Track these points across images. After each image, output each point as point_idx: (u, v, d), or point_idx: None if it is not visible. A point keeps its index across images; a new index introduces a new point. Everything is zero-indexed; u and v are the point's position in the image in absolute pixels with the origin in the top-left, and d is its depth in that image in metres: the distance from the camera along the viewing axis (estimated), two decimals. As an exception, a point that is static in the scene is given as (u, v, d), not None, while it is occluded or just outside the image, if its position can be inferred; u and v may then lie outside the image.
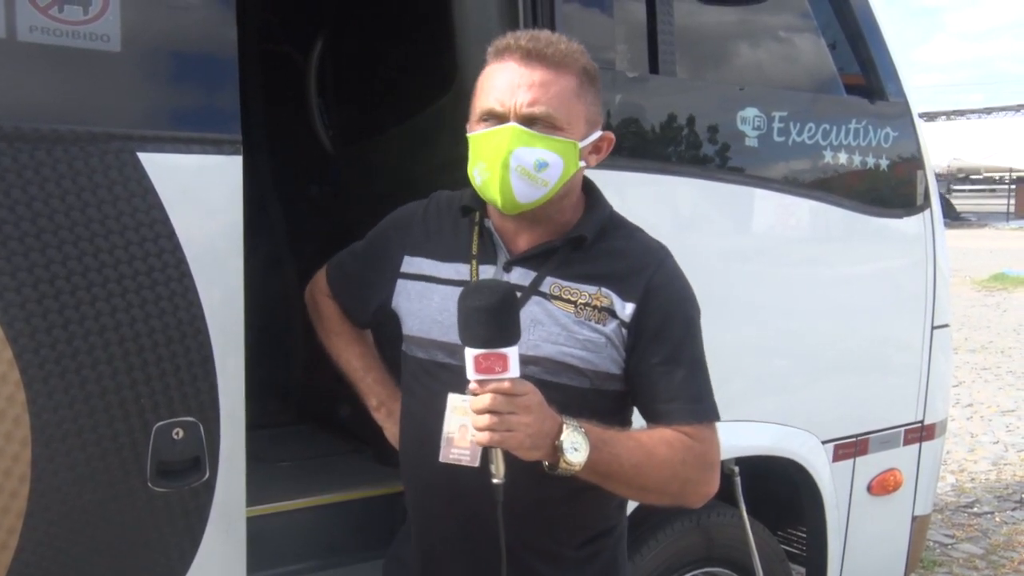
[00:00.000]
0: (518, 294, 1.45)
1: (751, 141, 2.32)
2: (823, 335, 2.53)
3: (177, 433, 1.58)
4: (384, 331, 1.74)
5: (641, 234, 1.60)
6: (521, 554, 1.48)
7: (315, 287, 1.81)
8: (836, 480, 2.56)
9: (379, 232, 1.70)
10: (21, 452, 1.45)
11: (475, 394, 1.32)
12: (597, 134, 1.51)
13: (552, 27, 1.95)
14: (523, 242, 1.53)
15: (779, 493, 2.60)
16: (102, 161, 1.49)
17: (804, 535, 2.71)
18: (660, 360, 1.47)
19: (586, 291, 1.48)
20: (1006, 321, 10.61)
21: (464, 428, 1.38)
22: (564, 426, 1.35)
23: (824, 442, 2.53)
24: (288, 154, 3.10)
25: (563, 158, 1.44)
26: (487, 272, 1.52)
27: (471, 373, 1.31)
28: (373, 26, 2.77)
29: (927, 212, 2.69)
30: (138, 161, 1.52)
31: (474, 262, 1.53)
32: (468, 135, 1.48)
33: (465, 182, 1.52)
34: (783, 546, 2.69)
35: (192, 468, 1.60)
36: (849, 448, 2.59)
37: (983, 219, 27.97)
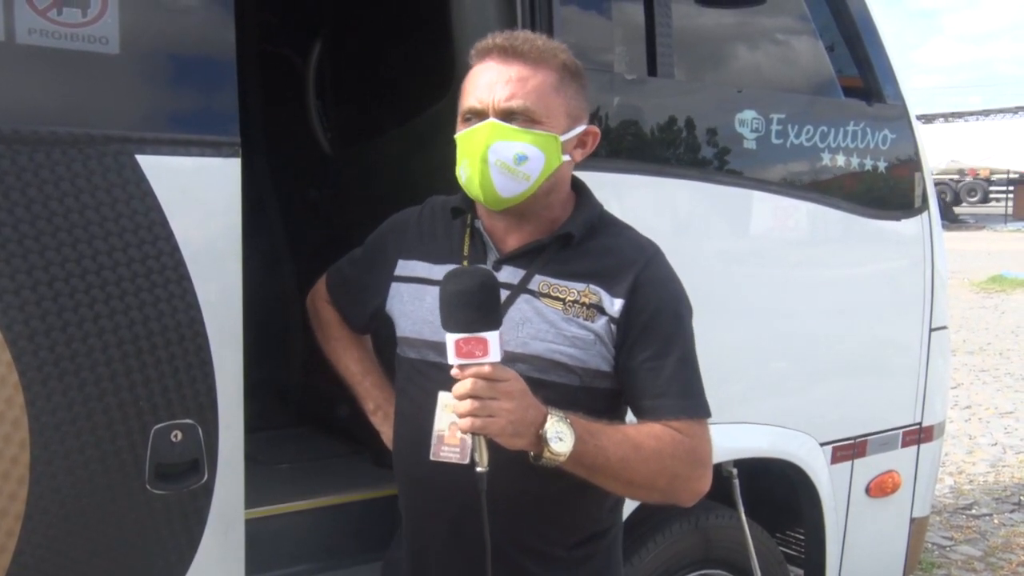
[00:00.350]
0: (507, 292, 1.47)
1: (749, 143, 2.32)
2: (821, 337, 2.53)
3: (176, 435, 1.58)
4: (382, 336, 1.75)
5: (631, 232, 1.60)
6: (511, 553, 1.48)
7: (315, 294, 1.83)
8: (834, 482, 2.56)
9: (376, 237, 1.72)
10: (20, 454, 1.45)
11: (457, 379, 1.33)
12: (580, 128, 1.52)
13: (550, 30, 1.96)
14: (513, 241, 1.54)
15: (777, 495, 2.60)
16: (100, 163, 1.49)
17: (802, 537, 2.71)
18: (649, 356, 1.47)
19: (574, 288, 1.49)
20: (1004, 323, 10.62)
21: (455, 426, 1.39)
22: (549, 416, 1.35)
23: (822, 444, 2.53)
24: (287, 156, 3.10)
25: (543, 151, 1.45)
26: None
27: (452, 358, 1.31)
28: (372, 28, 2.78)
29: (925, 214, 2.70)
30: (136, 163, 1.52)
31: (465, 262, 1.54)
32: (455, 136, 1.50)
33: None
34: (781, 548, 2.69)
35: (191, 470, 1.60)
36: (847, 450, 2.59)
37: (981, 221, 28.00)
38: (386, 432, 1.72)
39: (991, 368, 8.12)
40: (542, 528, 1.52)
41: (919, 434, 2.76)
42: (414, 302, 1.57)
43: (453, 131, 1.52)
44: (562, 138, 1.48)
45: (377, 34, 2.74)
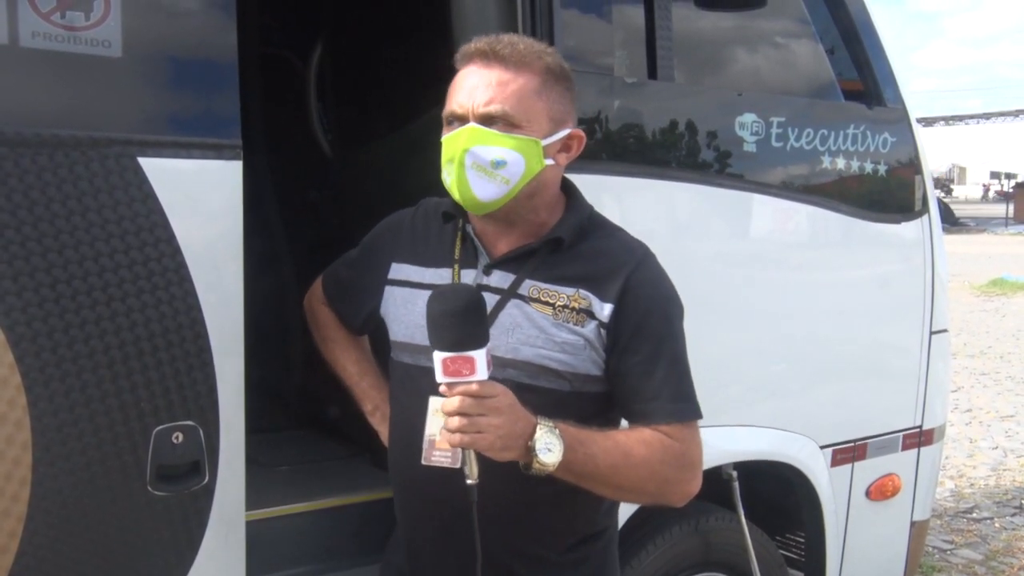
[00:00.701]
0: (497, 297, 1.48)
1: (749, 146, 2.33)
2: (821, 340, 2.53)
3: (177, 437, 1.58)
4: (379, 337, 1.75)
5: (622, 234, 1.60)
6: (504, 558, 1.48)
7: (312, 296, 1.84)
8: (834, 485, 2.56)
9: (370, 239, 1.73)
10: (22, 456, 1.45)
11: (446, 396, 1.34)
12: (564, 132, 1.51)
13: (551, 35, 1.96)
14: (503, 245, 1.54)
15: (777, 498, 2.61)
16: (103, 166, 1.49)
17: (803, 540, 2.71)
18: (640, 359, 1.47)
19: (564, 293, 1.49)
20: (1005, 326, 10.61)
21: (444, 432, 1.38)
22: (538, 427, 1.36)
23: (822, 447, 2.53)
24: (287, 158, 3.10)
25: (523, 156, 1.45)
26: (468, 276, 1.53)
27: (439, 376, 1.33)
28: (372, 31, 2.78)
29: (925, 217, 2.70)
30: (138, 166, 1.52)
31: (456, 266, 1.54)
32: (441, 140, 1.51)
33: None
34: (782, 551, 2.69)
35: (192, 472, 1.61)
36: (847, 453, 2.59)
37: (982, 224, 27.99)
38: (384, 432, 1.72)
39: (992, 371, 8.12)
40: (535, 532, 1.52)
41: (919, 437, 2.76)
42: (406, 306, 1.58)
43: None
44: (544, 142, 1.48)
45: (378, 37, 2.75)
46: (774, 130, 2.36)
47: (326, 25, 2.98)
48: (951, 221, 25.61)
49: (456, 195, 1.49)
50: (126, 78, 1.53)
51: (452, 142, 1.47)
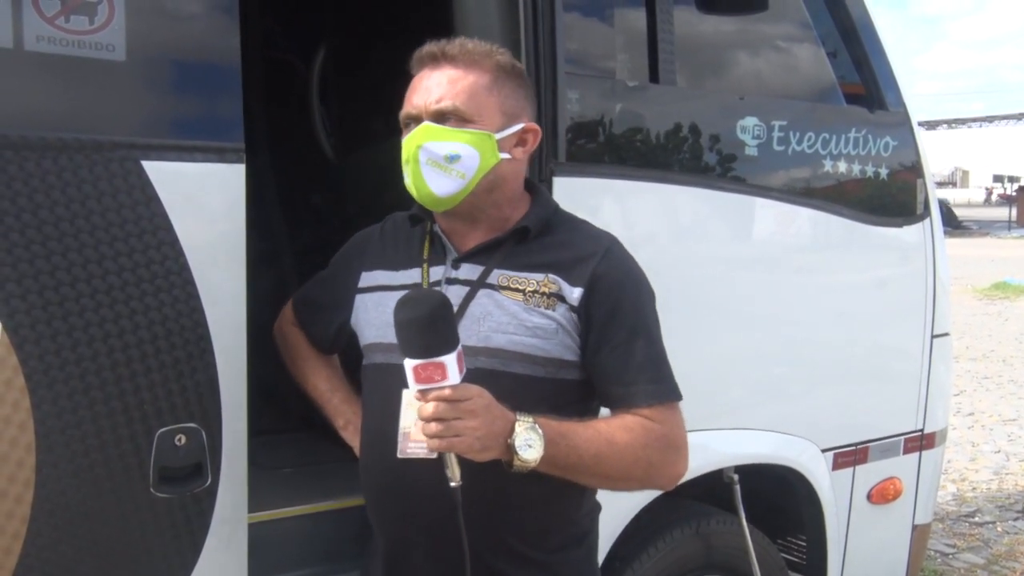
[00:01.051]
0: (467, 289, 1.49)
1: (751, 150, 2.33)
2: (823, 343, 2.53)
3: (179, 439, 1.58)
4: (350, 355, 1.75)
5: (587, 225, 1.62)
6: (488, 557, 1.48)
7: (282, 319, 1.85)
8: (836, 488, 2.56)
9: (339, 256, 1.75)
10: (25, 457, 1.46)
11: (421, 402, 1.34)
12: (518, 126, 1.53)
13: (553, 39, 1.97)
14: (470, 241, 1.56)
15: (779, 501, 2.61)
16: (106, 169, 1.50)
17: (804, 543, 2.71)
18: (615, 344, 1.49)
19: (534, 279, 1.50)
20: (1008, 330, 10.60)
21: (419, 424, 1.38)
22: (517, 423, 1.37)
23: (824, 450, 2.53)
24: (290, 161, 3.11)
25: (477, 149, 1.48)
26: (437, 272, 1.55)
27: (412, 384, 1.33)
28: (375, 34, 2.79)
29: (927, 221, 2.70)
30: (142, 169, 1.53)
31: (425, 265, 1.56)
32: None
33: None
34: (783, 554, 2.69)
35: (194, 474, 1.61)
36: (849, 456, 2.59)
37: (984, 227, 27.95)
38: (357, 445, 1.71)
39: (994, 375, 8.11)
40: (519, 530, 1.52)
41: (921, 441, 2.76)
42: (377, 308, 1.59)
43: None
44: (497, 136, 1.50)
45: (380, 40, 2.76)
46: (776, 134, 2.37)
47: (328, 28, 2.98)
48: (953, 224, 25.59)
49: (414, 192, 1.51)
50: (130, 82, 1.54)
51: (408, 142, 1.50)
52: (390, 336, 1.48)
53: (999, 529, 4.50)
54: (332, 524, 2.20)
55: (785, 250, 2.49)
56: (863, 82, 2.62)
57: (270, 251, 3.00)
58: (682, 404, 1.54)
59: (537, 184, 1.65)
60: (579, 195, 2.03)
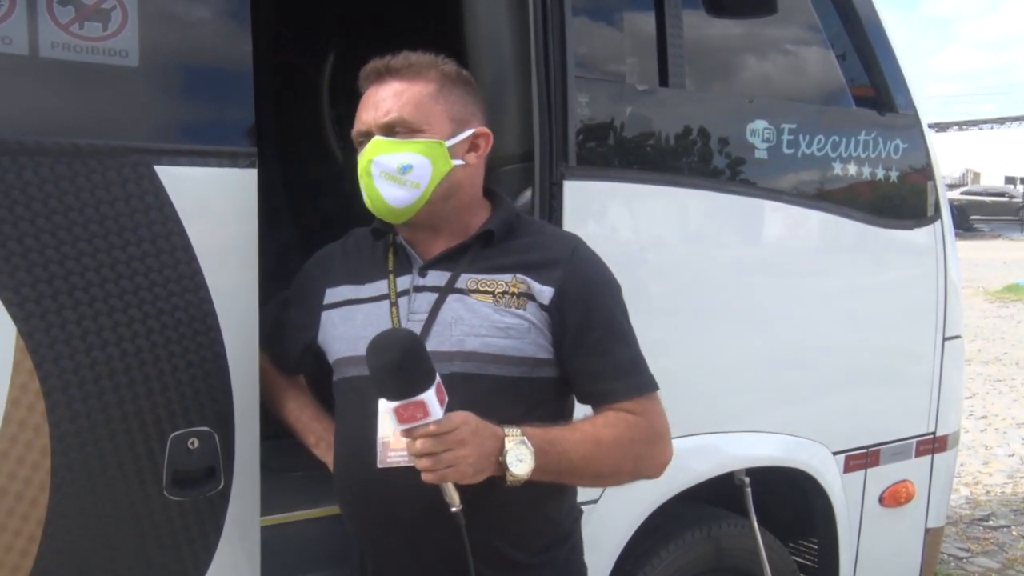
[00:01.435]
0: (435, 295, 1.50)
1: (760, 153, 2.33)
2: (834, 346, 2.53)
3: (192, 443, 1.59)
4: (317, 375, 1.75)
5: (550, 228, 1.66)
6: (475, 563, 1.47)
7: None
8: (847, 491, 2.55)
9: (301, 276, 1.76)
10: (41, 460, 1.47)
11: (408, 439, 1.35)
12: (469, 132, 1.54)
13: (562, 43, 1.97)
14: (435, 250, 1.57)
15: (790, 504, 2.60)
16: (120, 174, 1.51)
17: (815, 547, 2.70)
18: (591, 345, 1.50)
19: (502, 280, 1.52)
20: (1020, 333, 10.53)
21: (398, 432, 1.38)
22: (506, 439, 1.38)
23: (835, 453, 2.52)
24: (300, 165, 3.13)
25: (428, 158, 1.49)
26: (404, 282, 1.56)
27: (395, 425, 1.34)
28: (385, 38, 2.80)
29: (938, 223, 2.69)
30: (155, 174, 1.54)
31: (391, 276, 1.57)
32: None
33: None
34: (794, 558, 2.68)
35: (207, 477, 1.62)
36: (860, 459, 2.58)
37: (996, 230, 27.79)
38: (330, 461, 1.71)
39: (1007, 378, 8.06)
40: (506, 535, 1.53)
41: (933, 444, 2.75)
42: (345, 323, 1.59)
43: None
44: (448, 143, 1.51)
45: (390, 45, 2.77)
46: (785, 136, 2.37)
47: (338, 32, 3.00)
48: (965, 226, 25.45)
49: (371, 206, 1.53)
50: (143, 87, 1.56)
51: (361, 158, 1.52)
52: (360, 348, 1.47)
53: (1014, 533, 4.47)
54: (342, 528, 2.21)
55: (795, 253, 2.48)
56: (872, 84, 2.61)
57: (278, 254, 3.01)
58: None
59: (496, 190, 1.66)
60: (589, 199, 2.04)
